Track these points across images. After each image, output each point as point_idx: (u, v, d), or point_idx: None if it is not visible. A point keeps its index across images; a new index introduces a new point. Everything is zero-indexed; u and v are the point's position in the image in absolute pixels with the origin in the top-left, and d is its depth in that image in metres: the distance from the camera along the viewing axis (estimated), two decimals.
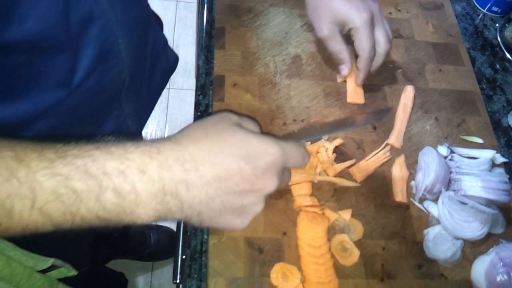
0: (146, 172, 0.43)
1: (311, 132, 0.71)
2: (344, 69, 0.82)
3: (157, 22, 0.88)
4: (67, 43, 0.53)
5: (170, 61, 0.91)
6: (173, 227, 1.76)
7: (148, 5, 0.79)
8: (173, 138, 0.47)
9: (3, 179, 0.39)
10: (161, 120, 2.01)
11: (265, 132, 0.75)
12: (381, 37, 0.77)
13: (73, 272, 0.80)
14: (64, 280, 0.81)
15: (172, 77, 0.91)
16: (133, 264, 1.73)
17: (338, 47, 0.79)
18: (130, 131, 0.77)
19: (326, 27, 0.77)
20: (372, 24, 0.75)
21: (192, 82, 2.09)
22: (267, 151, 0.48)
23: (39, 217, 0.41)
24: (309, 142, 0.80)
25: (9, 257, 0.69)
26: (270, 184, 0.49)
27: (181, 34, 2.24)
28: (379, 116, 0.77)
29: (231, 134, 0.48)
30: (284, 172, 0.51)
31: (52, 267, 0.77)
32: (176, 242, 0.79)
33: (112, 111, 0.71)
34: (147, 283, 1.72)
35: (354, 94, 0.85)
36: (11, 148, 0.41)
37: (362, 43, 0.75)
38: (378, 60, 0.79)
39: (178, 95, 2.07)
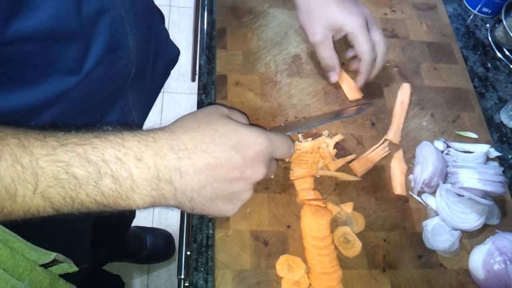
0: (142, 160, 0.46)
1: (296, 125, 0.73)
2: (334, 76, 0.84)
3: (159, 15, 0.89)
4: (79, 33, 0.56)
5: (172, 54, 0.93)
6: (170, 229, 1.78)
7: None
8: (167, 128, 0.50)
9: (8, 165, 0.41)
10: (156, 123, 2.01)
11: (255, 124, 0.78)
12: (378, 38, 0.79)
13: (74, 268, 0.80)
14: (65, 277, 0.81)
15: (166, 81, 0.93)
16: (130, 267, 1.73)
17: (328, 53, 0.80)
18: (134, 121, 0.78)
19: (319, 32, 0.78)
20: (367, 27, 0.78)
21: (187, 85, 2.11)
22: (256, 141, 0.51)
23: (40, 201, 0.43)
24: (301, 135, 0.82)
25: (13, 249, 0.69)
26: (258, 172, 0.51)
27: (174, 38, 2.24)
28: (361, 110, 0.79)
29: (222, 125, 0.51)
30: (271, 161, 0.54)
31: (54, 263, 0.78)
32: (180, 239, 0.81)
33: (118, 101, 0.72)
34: (144, 285, 1.73)
35: (352, 92, 0.88)
36: (16, 136, 0.43)
37: (363, 45, 0.77)
38: (379, 62, 0.81)
39: (173, 98, 2.08)
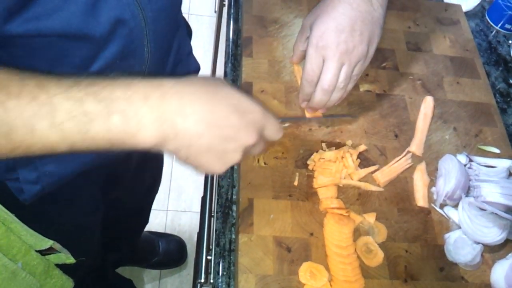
0: (149, 100, 0.48)
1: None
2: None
3: (186, 30, 0.91)
4: (93, 37, 0.58)
5: (192, 68, 0.94)
6: (182, 236, 1.78)
7: (179, 12, 0.82)
8: (173, 78, 0.53)
9: (26, 102, 0.44)
10: None
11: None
12: (341, 79, 0.73)
13: (71, 260, 0.80)
14: (63, 268, 0.81)
15: None
16: (141, 272, 1.73)
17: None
18: None
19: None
20: (344, 60, 0.72)
21: None
22: (253, 109, 0.55)
23: (56, 136, 0.46)
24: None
25: (9, 228, 0.70)
26: (250, 138, 0.54)
27: (193, 45, 2.28)
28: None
29: (225, 88, 0.55)
30: (261, 138, 0.57)
31: (51, 251, 0.78)
32: (200, 243, 0.81)
33: None
34: None
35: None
36: (33, 78, 0.46)
37: (324, 70, 0.73)
38: (332, 100, 0.76)
39: None
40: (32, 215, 0.73)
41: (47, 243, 0.75)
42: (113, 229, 1.18)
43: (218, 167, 0.55)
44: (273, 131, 0.58)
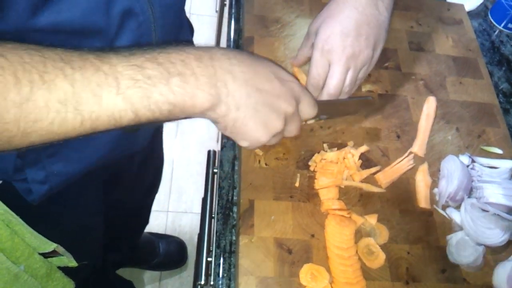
0: (202, 61, 0.52)
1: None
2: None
3: (189, 28, 0.90)
4: (105, 30, 0.59)
5: None
6: (183, 237, 1.78)
7: (183, 10, 0.82)
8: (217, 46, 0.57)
9: (91, 73, 0.46)
10: (173, 130, 2.04)
11: None
12: (347, 82, 0.74)
13: (73, 263, 0.80)
14: (64, 271, 0.80)
15: None
16: (142, 273, 1.73)
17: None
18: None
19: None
20: (350, 63, 0.72)
21: None
22: (291, 79, 0.59)
23: (122, 103, 0.47)
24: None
25: (14, 231, 0.70)
26: (290, 106, 0.58)
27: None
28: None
29: (267, 61, 0.59)
30: (297, 112, 0.60)
31: (53, 254, 0.77)
32: (200, 245, 0.81)
33: None
34: None
35: None
36: (91, 52, 0.48)
37: (331, 74, 0.73)
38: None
39: None
40: (38, 216, 0.73)
41: (50, 246, 0.75)
42: (113, 229, 1.18)
43: (262, 134, 0.57)
44: (309, 104, 0.61)
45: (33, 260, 0.74)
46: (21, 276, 0.70)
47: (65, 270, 0.81)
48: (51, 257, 0.77)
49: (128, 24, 0.61)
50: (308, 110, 0.61)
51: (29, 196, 0.71)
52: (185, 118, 0.54)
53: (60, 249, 0.78)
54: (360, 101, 0.82)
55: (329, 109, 0.75)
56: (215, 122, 0.56)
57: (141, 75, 0.48)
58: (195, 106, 0.51)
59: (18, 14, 0.51)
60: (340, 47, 0.70)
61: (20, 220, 0.72)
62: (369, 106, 0.85)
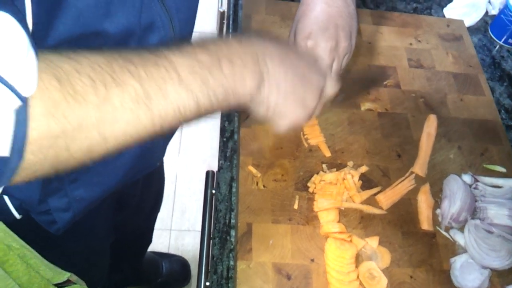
0: (242, 44, 0.55)
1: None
2: None
3: None
4: (132, 40, 0.59)
5: None
6: (186, 256, 1.76)
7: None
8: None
9: (153, 68, 0.47)
10: (175, 141, 2.03)
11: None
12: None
13: None
14: None
15: None
16: None
17: None
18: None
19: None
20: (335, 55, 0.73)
21: None
22: (315, 58, 0.66)
23: (184, 93, 0.48)
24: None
25: (29, 265, 0.70)
26: (321, 78, 0.62)
27: None
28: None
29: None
30: (323, 90, 0.63)
31: (67, 283, 0.77)
32: (199, 269, 0.79)
33: None
34: None
35: None
36: (144, 49, 0.49)
37: None
38: None
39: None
40: (53, 245, 0.73)
41: (64, 275, 0.75)
42: (117, 250, 1.17)
43: (301, 112, 0.59)
44: (334, 79, 0.65)
45: None
46: None
47: None
48: (65, 286, 0.77)
49: (151, 37, 0.61)
50: (332, 84, 0.64)
51: (53, 227, 0.71)
52: (235, 106, 0.55)
53: (74, 277, 0.78)
54: (372, 76, 0.84)
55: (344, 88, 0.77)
56: (258, 105, 0.57)
57: (196, 60, 0.50)
58: (245, 86, 0.53)
59: (89, 19, 0.52)
60: (322, 41, 0.71)
61: (35, 253, 0.71)
62: (382, 79, 0.88)
